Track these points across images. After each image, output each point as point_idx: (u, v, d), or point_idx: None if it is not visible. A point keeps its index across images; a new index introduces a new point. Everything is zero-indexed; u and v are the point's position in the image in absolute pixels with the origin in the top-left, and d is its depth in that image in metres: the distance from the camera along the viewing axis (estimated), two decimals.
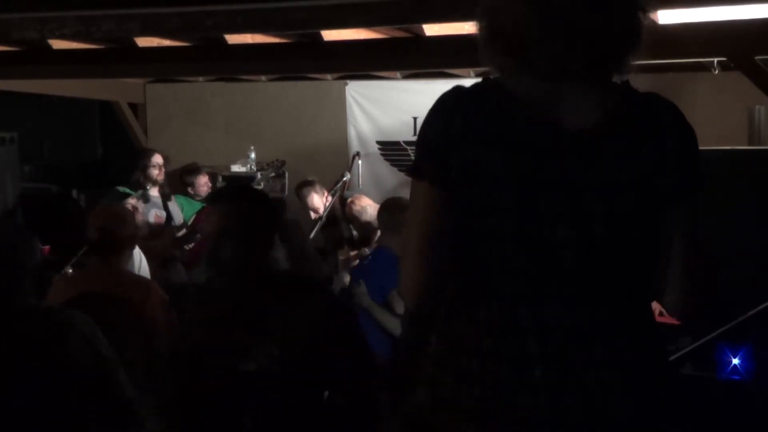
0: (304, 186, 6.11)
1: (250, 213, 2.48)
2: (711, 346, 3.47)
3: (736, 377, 3.47)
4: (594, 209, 1.48)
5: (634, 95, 1.55)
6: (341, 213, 5.65)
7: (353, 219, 5.42)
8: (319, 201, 5.95)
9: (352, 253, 5.27)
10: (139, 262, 4.57)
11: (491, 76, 1.57)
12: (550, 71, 1.50)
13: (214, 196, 2.60)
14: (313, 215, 5.90)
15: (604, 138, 1.49)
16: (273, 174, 6.55)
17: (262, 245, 2.49)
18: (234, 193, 2.67)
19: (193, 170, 6.70)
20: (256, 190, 2.74)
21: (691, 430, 1.58)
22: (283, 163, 6.78)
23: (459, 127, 1.49)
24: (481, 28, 1.56)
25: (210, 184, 6.72)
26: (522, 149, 1.48)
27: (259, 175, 7.26)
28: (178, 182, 6.80)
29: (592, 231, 1.48)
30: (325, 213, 5.91)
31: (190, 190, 6.60)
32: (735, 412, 3.41)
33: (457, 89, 1.55)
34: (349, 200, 5.53)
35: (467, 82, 1.58)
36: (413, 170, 1.55)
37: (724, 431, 3.33)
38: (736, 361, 3.46)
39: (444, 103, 1.54)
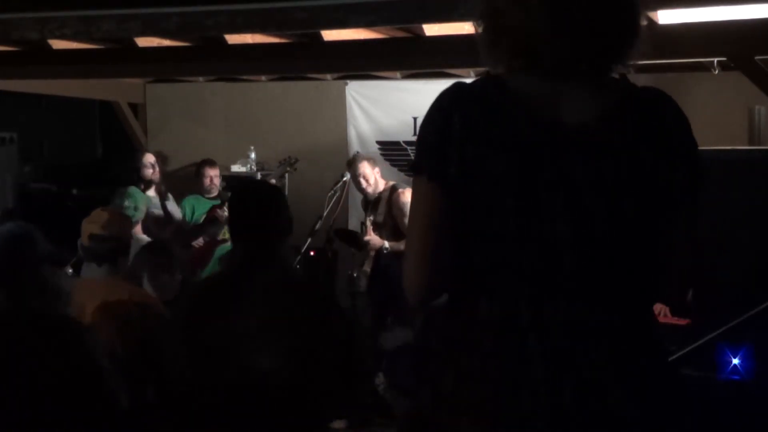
0: (352, 162, 5.99)
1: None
2: (711, 346, 3.47)
3: (736, 377, 3.47)
4: (594, 206, 1.48)
5: (632, 90, 1.55)
6: (387, 198, 5.60)
7: (394, 207, 5.41)
8: (370, 169, 5.84)
9: (368, 236, 5.28)
10: None
11: (492, 73, 1.57)
12: (558, 69, 1.50)
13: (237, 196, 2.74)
14: (363, 183, 5.80)
15: (604, 134, 1.50)
16: (287, 171, 6.47)
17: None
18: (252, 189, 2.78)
19: (201, 163, 6.75)
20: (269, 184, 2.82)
21: (691, 430, 1.58)
22: (296, 160, 6.67)
23: (458, 125, 1.50)
24: (483, 31, 1.56)
25: (219, 177, 6.73)
26: (522, 147, 1.49)
27: (259, 175, 7.27)
28: (190, 182, 6.81)
29: (592, 228, 1.49)
30: (328, 207, 5.90)
31: (206, 181, 6.62)
32: (735, 412, 3.41)
33: (457, 86, 1.56)
34: (400, 189, 5.50)
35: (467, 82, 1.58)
36: (412, 166, 1.57)
37: (724, 431, 3.33)
38: (736, 361, 3.46)
39: (442, 101, 1.55)
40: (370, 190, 5.77)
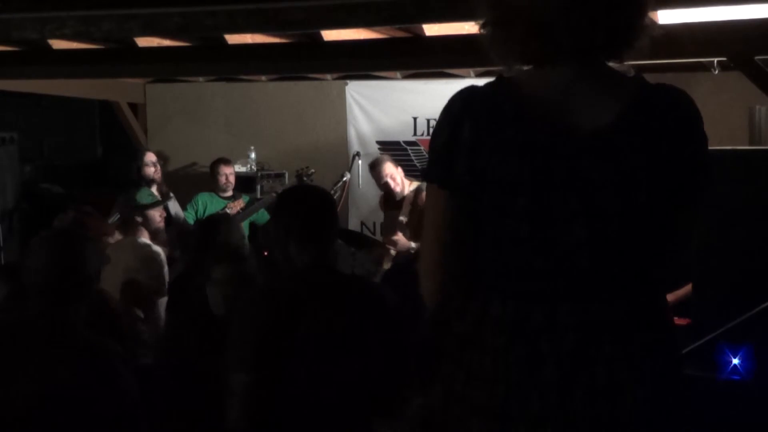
0: (376, 164, 6.00)
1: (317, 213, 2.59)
2: (711, 346, 3.46)
3: (736, 377, 3.47)
4: (609, 207, 1.48)
5: (648, 89, 1.53)
6: (412, 199, 5.58)
7: (417, 208, 5.40)
8: (394, 169, 5.85)
9: (397, 237, 5.31)
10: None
11: (504, 74, 1.56)
12: (575, 51, 1.48)
13: (282, 198, 2.76)
14: (392, 183, 5.80)
15: (619, 136, 1.48)
16: (304, 181, 6.44)
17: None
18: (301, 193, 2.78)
19: (215, 162, 6.74)
20: (321, 189, 2.83)
21: (691, 430, 1.58)
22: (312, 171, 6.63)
23: (469, 131, 1.49)
24: (491, 22, 1.53)
25: (234, 175, 6.73)
26: (536, 151, 1.48)
27: (259, 176, 7.27)
28: (189, 182, 6.80)
29: (607, 229, 1.49)
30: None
31: (221, 179, 6.62)
32: (735, 412, 3.41)
33: (468, 91, 1.54)
34: (424, 191, 5.45)
35: (467, 83, 1.57)
36: (424, 174, 1.59)
37: (724, 431, 3.32)
38: (736, 361, 3.45)
39: (453, 107, 1.54)
40: (398, 189, 5.80)
